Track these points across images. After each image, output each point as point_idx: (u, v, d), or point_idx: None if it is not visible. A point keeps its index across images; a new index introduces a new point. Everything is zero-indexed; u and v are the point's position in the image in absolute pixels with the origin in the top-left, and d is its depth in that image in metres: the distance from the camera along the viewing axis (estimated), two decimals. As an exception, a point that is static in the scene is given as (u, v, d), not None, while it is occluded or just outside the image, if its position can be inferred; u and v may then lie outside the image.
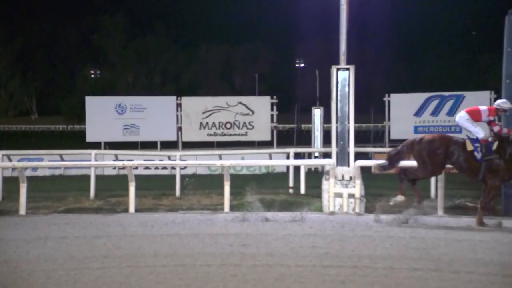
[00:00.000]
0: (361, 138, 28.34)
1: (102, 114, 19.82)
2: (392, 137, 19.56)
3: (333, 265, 6.02)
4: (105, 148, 18.92)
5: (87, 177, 12.29)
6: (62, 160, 15.42)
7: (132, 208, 10.06)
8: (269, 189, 12.03)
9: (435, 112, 18.89)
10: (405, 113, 19.10)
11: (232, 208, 10.08)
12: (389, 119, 19.38)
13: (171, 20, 63.15)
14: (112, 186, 12.36)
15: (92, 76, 61.44)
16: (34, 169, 15.91)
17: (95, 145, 18.11)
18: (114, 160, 14.72)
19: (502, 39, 9.79)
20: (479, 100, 18.64)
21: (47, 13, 62.54)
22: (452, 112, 18.75)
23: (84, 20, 62.09)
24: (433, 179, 10.83)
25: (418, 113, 19.06)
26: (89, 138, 19.80)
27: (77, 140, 26.24)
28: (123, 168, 11.21)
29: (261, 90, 50.40)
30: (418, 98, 19.60)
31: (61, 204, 10.96)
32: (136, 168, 11.68)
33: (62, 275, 5.79)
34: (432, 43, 63.88)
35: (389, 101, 19.35)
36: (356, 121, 10.52)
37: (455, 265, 5.99)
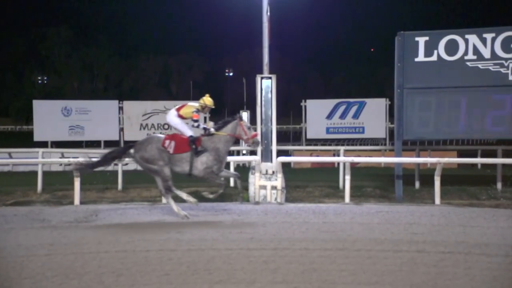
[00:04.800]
0: (282, 138, 28.73)
1: (49, 116, 19.10)
2: (308, 137, 20.02)
3: (257, 248, 6.07)
4: (52, 147, 18.18)
5: (35, 173, 11.76)
6: (11, 157, 14.69)
7: (77, 201, 9.70)
8: (202, 182, 11.92)
9: (343, 116, 19.49)
10: (318, 117, 19.57)
11: (169, 199, 9.93)
12: (305, 122, 19.79)
13: (113, 32, 61.49)
14: (59, 181, 11.88)
15: (40, 82, 58.64)
16: (-17, 166, 15.02)
17: (43, 144, 17.37)
18: (60, 158, 14.14)
19: (394, 56, 10.24)
20: (378, 106, 19.47)
21: (-4, 24, 59.18)
22: (356, 115, 19.44)
23: (31, 31, 59.15)
24: (341, 173, 11.18)
25: (329, 116, 19.60)
26: (37, 137, 19.00)
27: (25, 140, 24.96)
28: (69, 164, 10.78)
29: (195, 96, 49.96)
30: (329, 103, 20.14)
31: (10, 198, 10.43)
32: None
33: (10, 262, 5.51)
34: (340, 57, 65.84)
35: (305, 106, 19.76)
36: (278, 123, 10.65)
37: (358, 244, 6.19)
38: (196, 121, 8.34)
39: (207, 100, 8.45)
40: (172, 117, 8.40)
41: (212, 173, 8.18)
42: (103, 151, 16.54)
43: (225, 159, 8.45)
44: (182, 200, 8.33)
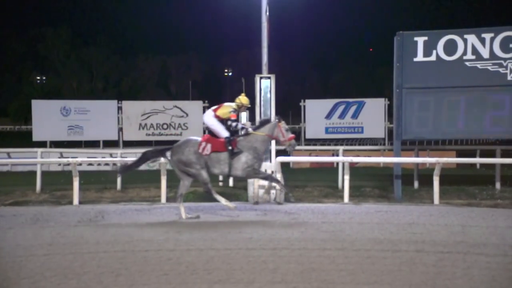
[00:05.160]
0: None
1: (48, 116, 19.08)
2: (307, 136, 20.01)
3: (256, 247, 6.06)
4: (50, 147, 18.17)
5: (34, 173, 11.75)
6: (10, 157, 14.67)
7: (76, 201, 9.69)
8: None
9: (342, 116, 19.48)
10: (317, 116, 19.57)
11: (169, 199, 9.94)
12: (304, 121, 19.78)
13: (112, 32, 61.48)
14: (57, 181, 11.87)
15: (38, 82, 58.58)
16: (-18, 166, 15.01)
17: (41, 144, 17.36)
18: (59, 158, 14.14)
19: (393, 56, 10.24)
20: (377, 105, 19.48)
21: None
22: (355, 115, 19.44)
23: (30, 31, 59.11)
24: (340, 173, 11.18)
25: (328, 116, 19.59)
26: (36, 137, 18.99)
27: (24, 140, 24.95)
28: (68, 164, 10.78)
29: (194, 95, 50.04)
30: (328, 103, 20.14)
31: (8, 198, 10.42)
32: (80, 164, 11.28)
33: (8, 262, 5.50)
34: (339, 57, 65.88)
35: (304, 106, 19.75)
36: (226, 122, 10.63)
37: (357, 244, 6.18)
38: (234, 120, 8.30)
39: (243, 99, 8.44)
40: (209, 118, 8.39)
41: (254, 171, 8.12)
42: (103, 151, 16.62)
43: (263, 158, 8.40)
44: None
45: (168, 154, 8.27)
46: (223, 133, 8.24)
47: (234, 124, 8.28)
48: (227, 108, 8.37)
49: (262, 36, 10.38)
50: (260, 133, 8.20)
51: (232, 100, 8.69)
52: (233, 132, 8.33)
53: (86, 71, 59.07)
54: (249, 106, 8.49)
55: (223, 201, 8.07)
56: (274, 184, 8.84)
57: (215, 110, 8.42)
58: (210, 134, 8.79)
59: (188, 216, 7.94)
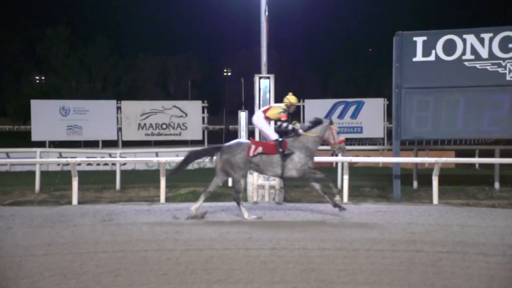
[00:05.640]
0: (282, 137, 28.74)
1: (47, 116, 19.07)
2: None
3: (255, 247, 6.06)
4: (49, 147, 18.16)
5: (33, 173, 11.75)
6: (8, 157, 14.66)
7: (75, 201, 9.69)
8: (200, 182, 11.93)
9: (341, 115, 19.48)
10: (314, 116, 19.53)
11: (168, 199, 9.95)
12: (303, 121, 19.69)
13: (111, 32, 61.41)
14: (57, 181, 11.86)
15: (37, 81, 58.52)
16: (-19, 166, 15.00)
17: (40, 144, 17.35)
18: (58, 157, 14.13)
19: (392, 56, 10.25)
20: (376, 105, 19.48)
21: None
22: (354, 115, 19.44)
23: (29, 31, 59.04)
24: (339, 173, 11.18)
25: (328, 116, 19.51)
26: (34, 137, 18.98)
27: (23, 140, 24.92)
28: (67, 164, 10.77)
29: (193, 95, 49.95)
30: (327, 103, 20.12)
31: (8, 198, 10.41)
32: (79, 164, 11.28)
33: (8, 262, 5.49)
34: (338, 57, 65.89)
35: (303, 106, 19.74)
36: (276, 123, 10.62)
37: (356, 244, 6.19)
38: (285, 121, 8.25)
39: (292, 98, 8.37)
40: (259, 119, 8.34)
41: (310, 171, 8.05)
42: (102, 150, 16.61)
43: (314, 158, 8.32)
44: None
45: (216, 153, 8.16)
46: (273, 135, 8.20)
47: (285, 124, 8.23)
48: (276, 109, 8.32)
49: (261, 36, 10.39)
50: (311, 134, 8.15)
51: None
52: (283, 132, 8.29)
53: (85, 71, 59.02)
54: (298, 104, 8.39)
55: (245, 215, 7.94)
56: (325, 185, 8.40)
57: (264, 112, 8.37)
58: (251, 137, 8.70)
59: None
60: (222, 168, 8.11)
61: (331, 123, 8.28)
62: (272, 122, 8.64)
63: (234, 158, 7.98)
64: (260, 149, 7.99)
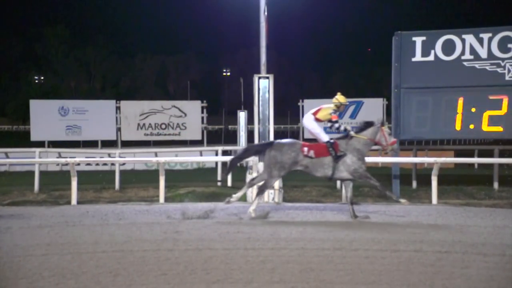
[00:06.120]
0: (280, 137, 28.75)
1: (46, 116, 19.07)
2: (306, 136, 19.92)
3: (255, 247, 6.05)
4: (48, 147, 18.15)
5: (32, 173, 11.74)
6: (7, 157, 14.66)
7: (74, 201, 9.68)
8: (200, 182, 11.97)
9: (340, 116, 19.44)
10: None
11: (167, 199, 9.94)
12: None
13: (110, 32, 61.40)
14: (56, 181, 11.86)
15: (36, 81, 58.47)
16: (-20, 166, 14.99)
17: (40, 144, 17.34)
18: (57, 158, 14.12)
19: (391, 56, 10.25)
20: (375, 105, 19.50)
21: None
22: (353, 115, 19.45)
23: (28, 31, 59.03)
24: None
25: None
26: (34, 137, 18.98)
27: (22, 140, 24.92)
28: (66, 164, 10.76)
29: (192, 95, 49.95)
30: (327, 103, 20.09)
31: (6, 198, 10.40)
32: (78, 164, 11.27)
33: (7, 262, 5.49)
34: (337, 57, 65.88)
35: (303, 106, 19.76)
36: (275, 123, 10.64)
37: (355, 244, 6.18)
38: (336, 122, 8.19)
39: (341, 97, 8.31)
40: (309, 121, 8.27)
41: (364, 174, 7.99)
42: (101, 150, 16.61)
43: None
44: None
45: (267, 149, 8.08)
46: (324, 137, 8.12)
47: (336, 125, 8.17)
48: (326, 110, 8.25)
49: (260, 36, 10.39)
50: (363, 137, 8.06)
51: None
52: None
53: (85, 71, 59.05)
54: (348, 103, 8.34)
55: (251, 208, 7.91)
56: (378, 189, 8.43)
57: (314, 113, 8.30)
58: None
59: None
60: (268, 162, 8.00)
61: (382, 124, 8.14)
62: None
63: (283, 157, 7.91)
64: (311, 153, 7.91)
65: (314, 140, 8.37)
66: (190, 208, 8.74)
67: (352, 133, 8.10)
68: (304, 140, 19.84)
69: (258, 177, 8.25)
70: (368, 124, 8.17)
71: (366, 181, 8.15)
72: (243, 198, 10.09)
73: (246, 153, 8.60)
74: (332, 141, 8.07)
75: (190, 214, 8.06)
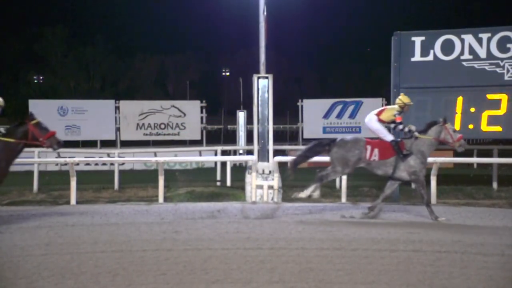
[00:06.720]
0: (279, 137, 28.79)
1: (45, 116, 18.85)
2: (305, 136, 20.00)
3: (254, 247, 6.06)
4: (48, 147, 18.12)
5: (31, 173, 11.73)
6: (7, 157, 14.61)
7: (73, 200, 9.68)
8: (199, 182, 11.96)
9: (339, 115, 19.49)
10: (315, 116, 19.56)
11: (166, 199, 9.94)
12: (302, 121, 19.77)
13: (109, 32, 61.34)
14: (55, 181, 11.85)
15: (36, 81, 58.40)
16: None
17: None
18: (56, 157, 14.11)
19: (391, 56, 10.26)
20: (374, 105, 19.47)
21: (-10, 23, 58.92)
22: (353, 115, 19.46)
23: (27, 30, 58.93)
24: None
25: (326, 116, 19.59)
26: (33, 137, 18.91)
27: (21, 139, 24.86)
28: (65, 164, 10.76)
29: (192, 95, 49.87)
30: (326, 103, 20.13)
31: (5, 198, 10.38)
32: (77, 164, 11.26)
33: (6, 262, 5.48)
34: (337, 56, 65.90)
35: (302, 106, 19.75)
36: (274, 123, 10.64)
37: (354, 243, 6.19)
38: (400, 123, 8.08)
39: (405, 98, 8.22)
40: (373, 122, 8.22)
41: (420, 179, 7.90)
42: (100, 150, 16.60)
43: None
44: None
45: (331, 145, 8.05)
46: (388, 137, 8.06)
47: (400, 126, 8.06)
48: (391, 111, 8.19)
49: (259, 36, 10.39)
50: (427, 137, 7.98)
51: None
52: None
53: (84, 70, 58.95)
54: (411, 103, 8.27)
55: (305, 192, 7.88)
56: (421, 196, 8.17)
57: (378, 114, 8.25)
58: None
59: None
60: (332, 158, 7.97)
61: (445, 122, 8.04)
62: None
63: (347, 153, 7.88)
64: (377, 152, 7.87)
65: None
66: (190, 208, 8.75)
67: (416, 134, 8.00)
68: (304, 140, 19.91)
69: (325, 171, 8.08)
70: (431, 124, 8.09)
71: (418, 188, 8.00)
72: (243, 198, 10.11)
73: (310, 151, 8.38)
74: (398, 139, 8.00)
75: (189, 214, 8.06)
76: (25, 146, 7.60)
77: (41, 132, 7.49)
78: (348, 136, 8.32)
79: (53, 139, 7.63)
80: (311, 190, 7.96)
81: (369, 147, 7.91)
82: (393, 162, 7.91)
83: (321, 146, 8.28)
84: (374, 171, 8.06)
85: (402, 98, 8.26)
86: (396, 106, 8.25)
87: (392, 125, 8.18)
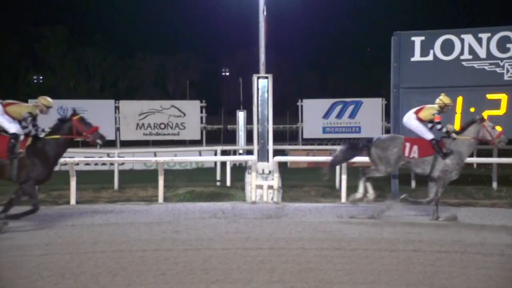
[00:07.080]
0: (279, 137, 28.77)
1: (45, 116, 18.95)
2: (305, 136, 20.02)
3: (253, 247, 6.06)
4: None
5: (30, 173, 11.69)
6: (6, 157, 14.60)
7: (73, 200, 9.68)
8: (199, 182, 11.96)
9: (339, 115, 19.49)
10: (315, 116, 19.56)
11: (166, 199, 9.94)
12: (302, 121, 19.77)
13: (109, 31, 61.31)
14: (54, 181, 11.80)
15: (35, 81, 58.39)
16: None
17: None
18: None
19: (390, 56, 10.26)
20: (374, 105, 19.50)
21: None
22: (352, 115, 19.46)
23: (26, 30, 58.88)
24: (337, 172, 11.18)
25: (326, 116, 19.59)
26: (32, 137, 18.91)
27: (21, 139, 24.84)
28: (65, 164, 10.76)
29: (191, 95, 49.86)
30: (326, 103, 20.12)
31: (4, 198, 10.34)
32: (77, 164, 11.26)
33: (6, 262, 5.48)
34: (336, 56, 65.89)
35: (301, 106, 19.74)
36: (274, 123, 10.64)
37: (354, 243, 6.19)
38: (438, 123, 8.00)
39: (445, 98, 8.12)
40: (411, 120, 8.15)
41: (446, 181, 7.84)
42: (100, 150, 16.59)
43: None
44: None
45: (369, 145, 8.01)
46: (428, 135, 7.98)
47: (438, 126, 7.97)
48: (429, 110, 8.10)
49: (259, 36, 10.39)
50: (466, 137, 7.90)
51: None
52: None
53: (83, 70, 58.95)
54: (452, 104, 8.18)
55: (357, 195, 7.92)
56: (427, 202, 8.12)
57: (416, 112, 8.16)
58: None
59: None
60: (371, 158, 7.94)
61: (481, 120, 7.95)
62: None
63: (386, 152, 7.84)
64: (416, 149, 7.81)
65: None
66: (189, 208, 8.76)
67: (454, 135, 7.93)
68: (304, 140, 19.90)
69: (368, 170, 8.05)
70: (468, 123, 8.01)
71: (438, 185, 7.87)
72: (242, 198, 10.11)
73: (347, 154, 8.33)
74: (438, 138, 7.94)
75: (189, 214, 8.06)
76: (71, 141, 7.69)
77: (85, 127, 7.57)
78: (383, 135, 8.23)
79: (96, 134, 7.71)
80: (362, 192, 7.94)
81: (408, 144, 7.85)
82: (431, 160, 7.82)
83: (357, 147, 8.20)
84: (413, 169, 8.01)
85: (443, 99, 8.15)
86: (435, 106, 8.15)
87: (430, 125, 8.09)
